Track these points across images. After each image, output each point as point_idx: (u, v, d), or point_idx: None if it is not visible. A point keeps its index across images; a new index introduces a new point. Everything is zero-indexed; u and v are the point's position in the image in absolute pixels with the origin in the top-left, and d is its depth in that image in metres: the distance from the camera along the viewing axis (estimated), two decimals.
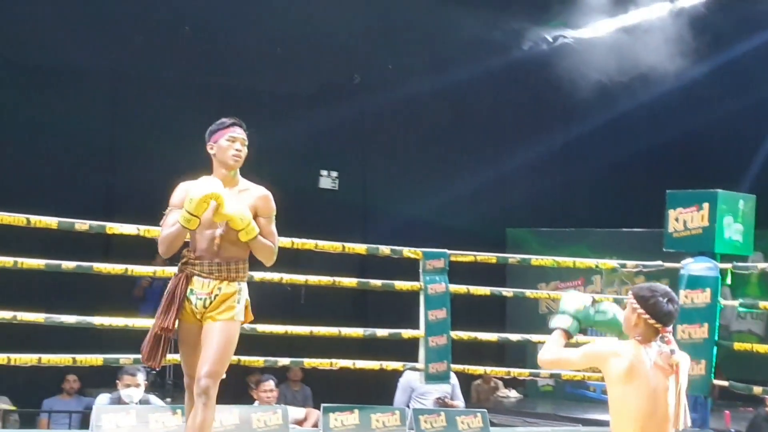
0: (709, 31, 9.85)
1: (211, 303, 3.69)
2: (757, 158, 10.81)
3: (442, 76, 10.37)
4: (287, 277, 5.33)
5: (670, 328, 3.17)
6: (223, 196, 3.60)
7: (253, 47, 9.52)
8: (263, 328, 5.19)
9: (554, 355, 3.25)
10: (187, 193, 3.63)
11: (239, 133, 3.80)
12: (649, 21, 9.94)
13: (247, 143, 3.82)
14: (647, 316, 3.14)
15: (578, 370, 5.63)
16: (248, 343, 5.28)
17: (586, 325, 3.35)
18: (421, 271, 5.75)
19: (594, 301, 3.35)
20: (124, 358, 4.97)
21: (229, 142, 3.76)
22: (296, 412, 6.09)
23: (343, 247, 5.55)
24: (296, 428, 5.73)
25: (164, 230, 3.72)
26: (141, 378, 5.47)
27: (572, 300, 3.34)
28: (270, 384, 6.19)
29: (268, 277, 5.24)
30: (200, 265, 3.70)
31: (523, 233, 10.64)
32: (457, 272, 5.91)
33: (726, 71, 10.20)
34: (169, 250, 3.72)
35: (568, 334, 3.28)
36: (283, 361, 5.38)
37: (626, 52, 9.52)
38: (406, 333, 5.70)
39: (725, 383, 6.00)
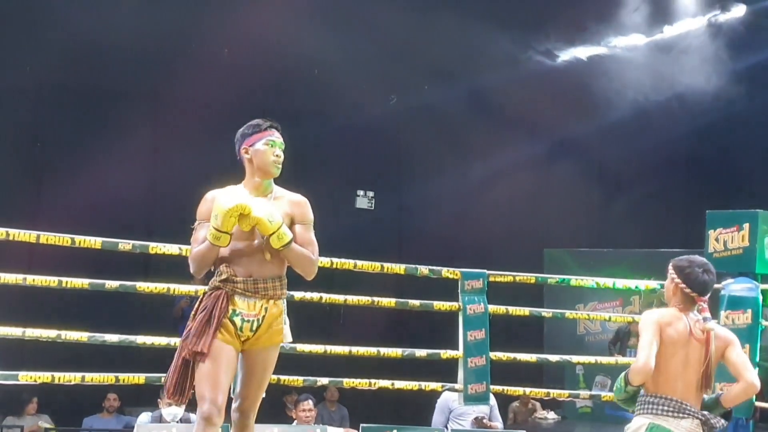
0: (746, 47, 9.80)
1: (259, 326, 3.39)
2: None
3: (478, 95, 10.39)
4: (327, 297, 5.34)
5: (706, 297, 3.43)
6: (251, 205, 3.29)
7: (292, 68, 9.61)
8: (303, 347, 5.20)
9: (639, 356, 3.34)
10: (213, 204, 3.34)
11: (277, 137, 3.50)
12: (685, 39, 9.91)
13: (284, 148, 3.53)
14: (683, 285, 3.41)
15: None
16: (286, 362, 5.33)
17: None
18: (459, 291, 5.73)
19: None
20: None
21: (268, 147, 3.44)
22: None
23: (382, 267, 5.55)
24: None
25: (194, 248, 3.40)
26: None
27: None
28: (309, 404, 6.20)
29: (308, 297, 5.27)
30: (243, 282, 3.36)
31: (561, 254, 10.57)
32: (494, 292, 5.90)
33: (763, 87, 10.12)
34: (200, 269, 3.39)
35: None
36: (323, 381, 5.38)
37: (663, 70, 9.49)
38: (445, 353, 5.67)
39: (767, 405, 5.90)
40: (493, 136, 10.91)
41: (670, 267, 3.51)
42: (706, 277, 3.44)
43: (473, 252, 9.52)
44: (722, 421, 3.39)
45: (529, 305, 6.40)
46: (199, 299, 3.43)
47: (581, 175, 11.17)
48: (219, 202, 3.30)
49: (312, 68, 9.73)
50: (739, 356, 3.46)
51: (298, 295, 5.09)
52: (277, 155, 3.47)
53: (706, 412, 3.34)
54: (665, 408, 3.32)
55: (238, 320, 3.36)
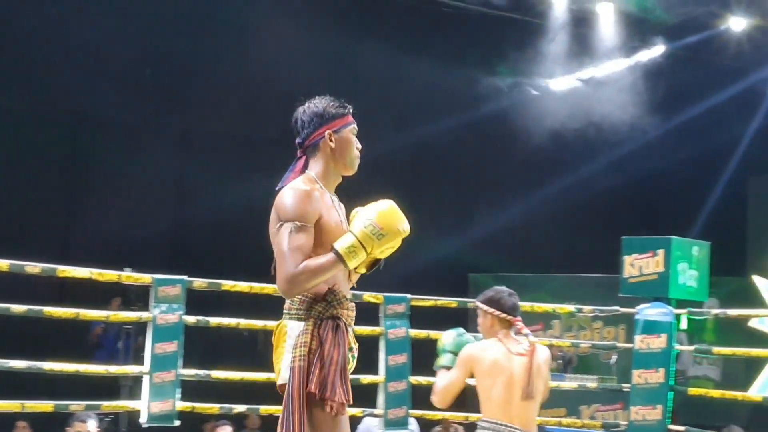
0: (666, 82, 10.16)
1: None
2: (706, 206, 11.04)
3: (406, 126, 10.48)
4: (244, 322, 5.27)
5: (519, 317, 3.71)
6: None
7: (216, 89, 9.55)
8: (218, 374, 5.12)
9: (440, 387, 3.76)
10: (375, 216, 2.58)
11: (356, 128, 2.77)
12: (606, 74, 10.23)
13: None
14: (498, 312, 3.69)
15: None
16: (203, 389, 5.24)
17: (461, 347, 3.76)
18: (381, 315, 5.72)
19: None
20: (75, 405, 4.85)
21: (353, 136, 2.76)
22: None
23: None
24: None
25: (310, 262, 2.54)
26: (92, 425, 5.35)
27: (448, 336, 3.85)
28: (226, 429, 6.10)
29: (225, 323, 5.18)
30: (348, 309, 2.70)
31: (485, 278, 10.66)
32: (418, 317, 5.91)
33: (681, 121, 10.51)
34: (304, 290, 2.59)
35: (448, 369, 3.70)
36: (239, 408, 5.29)
37: (584, 103, 9.73)
38: (365, 378, 5.64)
39: (681, 428, 6.01)
40: (419, 164, 11.02)
41: (478, 305, 3.78)
42: (513, 299, 3.74)
43: (398, 277, 9.51)
44: None
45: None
46: (307, 329, 2.61)
47: (505, 202, 11.32)
48: (393, 219, 2.61)
49: (239, 89, 9.68)
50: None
51: (214, 321, 5.01)
52: (359, 149, 2.80)
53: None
54: None
55: (350, 356, 2.72)
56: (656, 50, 10.63)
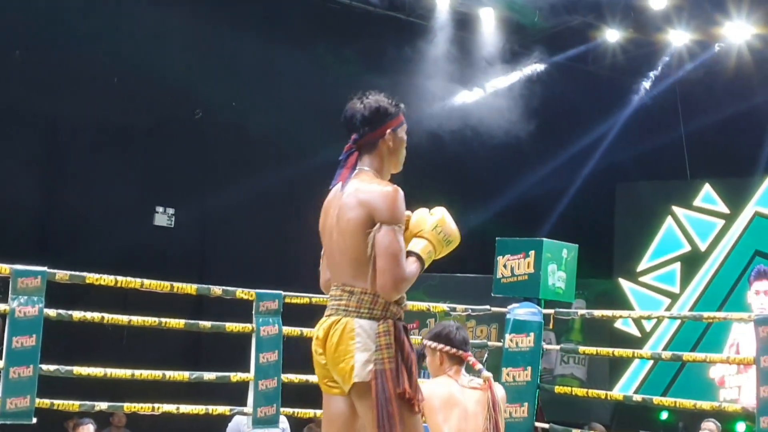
0: (542, 90, 10.46)
1: None
2: (576, 210, 11.42)
3: (281, 115, 10.37)
4: (109, 317, 5.08)
5: (469, 352, 3.46)
6: None
7: (88, 75, 9.20)
8: (81, 369, 4.92)
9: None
10: (438, 222, 2.70)
11: None
12: (487, 79, 10.42)
13: None
14: (447, 347, 3.42)
15: None
16: (65, 385, 5.03)
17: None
18: (254, 312, 5.63)
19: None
20: None
21: (405, 137, 2.78)
22: None
23: (172, 286, 5.35)
24: None
25: (410, 267, 2.65)
26: None
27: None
28: (89, 428, 5.91)
29: (89, 317, 4.99)
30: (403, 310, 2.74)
31: None
32: (300, 315, 5.86)
33: (554, 128, 10.84)
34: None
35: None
36: (101, 405, 5.10)
37: (461, 106, 9.88)
38: (235, 376, 5.54)
39: (546, 426, 6.16)
40: (299, 156, 10.91)
41: (426, 342, 3.52)
42: (462, 332, 3.50)
43: (277, 274, 9.44)
44: None
45: None
46: (387, 331, 2.63)
47: None
48: (454, 226, 2.73)
49: (112, 77, 9.35)
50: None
51: (77, 314, 4.81)
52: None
53: None
54: None
55: None
56: (534, 58, 10.91)
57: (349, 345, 2.63)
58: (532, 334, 6.13)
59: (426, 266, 2.72)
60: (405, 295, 2.71)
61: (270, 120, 10.39)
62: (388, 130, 2.73)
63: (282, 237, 10.47)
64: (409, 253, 2.67)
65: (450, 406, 3.36)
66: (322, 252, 2.89)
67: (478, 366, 3.41)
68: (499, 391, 3.44)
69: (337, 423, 2.73)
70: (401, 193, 2.67)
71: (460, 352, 3.44)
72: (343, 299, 2.70)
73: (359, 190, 2.67)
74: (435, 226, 2.73)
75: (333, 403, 2.75)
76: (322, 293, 5.94)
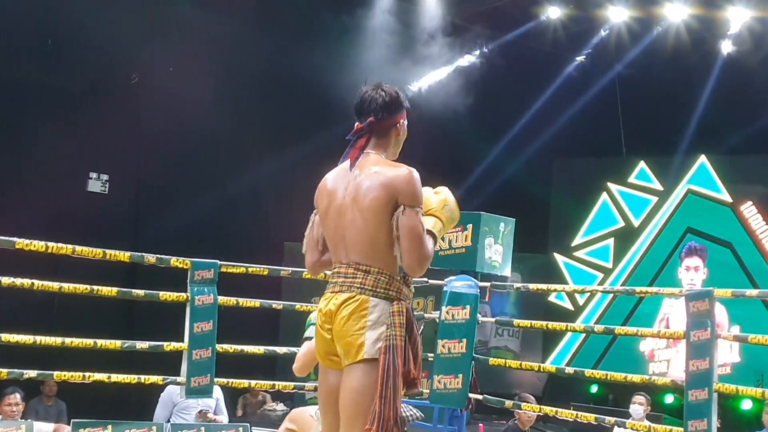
0: (482, 66, 10.49)
1: None
2: (513, 184, 11.51)
3: (221, 82, 10.20)
4: (39, 283, 4.95)
5: None
6: None
7: (21, 35, 8.89)
8: (9, 336, 4.80)
9: (298, 356, 3.51)
10: (446, 201, 2.85)
11: None
12: (426, 54, 10.38)
13: None
14: None
15: None
16: None
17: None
18: (188, 281, 5.54)
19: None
20: None
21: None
22: (44, 427, 5.68)
23: (104, 253, 5.24)
24: None
25: (429, 242, 2.76)
26: None
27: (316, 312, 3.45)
28: (15, 397, 5.75)
29: (18, 283, 4.85)
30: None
31: (300, 247, 10.64)
32: (237, 285, 5.79)
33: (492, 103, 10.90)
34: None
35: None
36: (30, 373, 4.98)
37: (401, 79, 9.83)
38: (168, 345, 5.46)
39: (479, 397, 6.23)
40: (238, 124, 10.76)
41: None
42: None
43: (214, 243, 9.32)
44: (417, 413, 3.38)
45: (269, 298, 6.32)
46: (401, 311, 2.73)
47: (323, 172, 11.27)
48: (456, 205, 2.88)
49: (45, 37, 9.06)
50: None
51: (5, 280, 4.68)
52: None
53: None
54: None
55: None
56: (475, 32, 10.90)
57: (361, 322, 2.70)
58: (468, 306, 6.17)
59: (437, 242, 2.83)
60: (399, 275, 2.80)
61: (206, 86, 10.21)
62: (402, 120, 2.86)
63: (219, 206, 10.33)
64: None
65: None
66: (308, 232, 2.96)
67: None
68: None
69: (335, 394, 2.77)
70: (418, 175, 2.78)
71: None
72: (358, 277, 2.75)
73: (379, 173, 2.75)
74: (444, 205, 2.86)
75: (330, 376, 2.80)
76: (258, 263, 5.98)
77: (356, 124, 2.89)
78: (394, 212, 2.71)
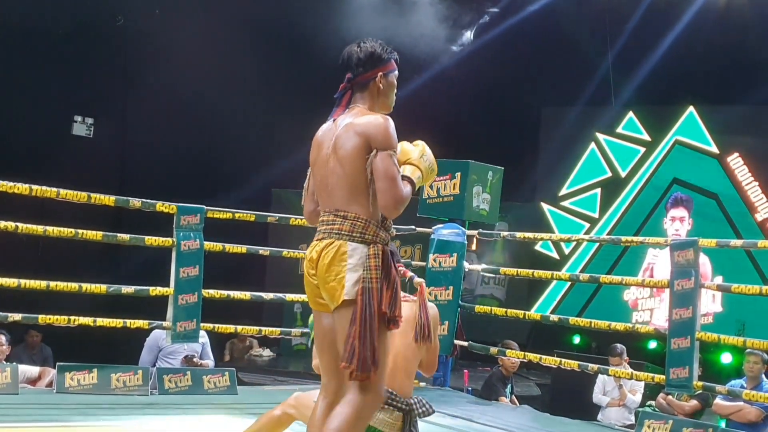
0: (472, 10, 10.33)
1: None
2: (502, 132, 11.43)
3: (208, 25, 10.04)
4: (23, 226, 4.92)
5: (401, 263, 3.37)
6: None
7: None
8: None
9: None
10: (424, 153, 2.94)
11: None
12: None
13: None
14: None
15: None
16: None
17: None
18: (174, 226, 5.52)
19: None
20: None
21: (395, 82, 3.02)
22: (30, 370, 5.69)
23: (89, 197, 5.20)
24: (27, 388, 5.35)
25: (405, 186, 2.86)
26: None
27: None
28: (0, 339, 5.74)
29: (2, 225, 4.82)
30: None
31: (287, 194, 10.61)
32: (223, 231, 5.77)
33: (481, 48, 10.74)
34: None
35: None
36: (15, 316, 4.97)
37: (391, 17, 9.66)
38: (154, 290, 5.46)
39: (465, 344, 6.27)
40: (225, 68, 10.63)
41: None
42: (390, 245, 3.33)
43: (201, 188, 9.27)
44: (430, 408, 3.26)
45: (255, 244, 6.31)
46: (376, 254, 2.81)
47: (311, 118, 11.18)
48: (431, 155, 2.96)
49: None
50: None
51: None
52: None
53: (412, 400, 3.22)
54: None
55: None
56: None
57: (340, 266, 2.83)
58: (455, 254, 6.19)
59: (415, 190, 2.93)
60: (392, 221, 2.92)
61: (193, 30, 10.05)
62: (380, 73, 2.96)
63: (205, 150, 10.26)
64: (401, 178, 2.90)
65: None
66: (306, 184, 3.08)
67: (410, 274, 3.41)
68: (432, 309, 3.36)
69: (329, 336, 2.91)
70: (392, 121, 2.89)
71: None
72: (336, 223, 2.88)
73: (353, 123, 2.89)
74: (422, 155, 2.97)
75: (323, 319, 2.93)
76: (245, 208, 5.95)
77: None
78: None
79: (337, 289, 2.81)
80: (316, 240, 2.91)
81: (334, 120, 2.96)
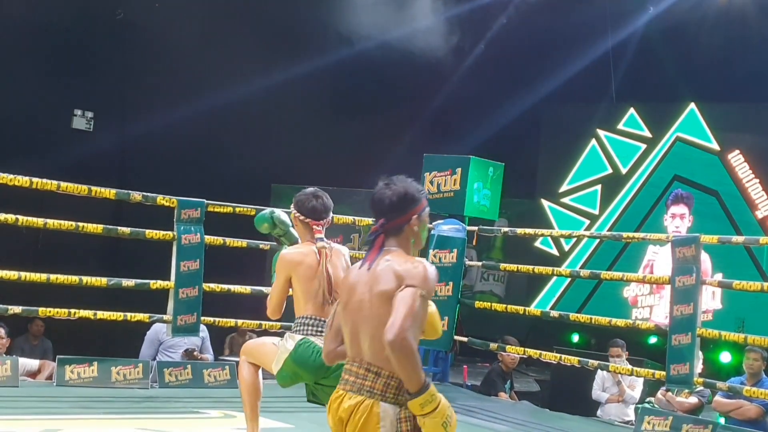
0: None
1: None
2: (503, 129, 11.41)
3: (208, 19, 10.02)
4: (24, 219, 4.91)
5: (321, 221, 3.75)
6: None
7: None
8: None
9: (268, 299, 3.72)
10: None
11: None
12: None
13: None
14: (298, 214, 3.72)
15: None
16: None
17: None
18: (175, 220, 5.52)
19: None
20: None
21: (428, 219, 2.93)
22: (30, 363, 5.68)
23: (90, 190, 5.20)
24: (27, 380, 5.34)
25: (416, 349, 2.74)
26: None
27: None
28: None
29: (2, 218, 4.81)
30: None
31: (287, 189, 10.60)
32: (224, 225, 5.76)
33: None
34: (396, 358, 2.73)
35: None
36: (15, 309, 4.97)
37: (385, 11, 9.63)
38: (155, 283, 5.46)
39: (465, 339, 6.27)
40: (226, 64, 10.62)
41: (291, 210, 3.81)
42: (314, 202, 3.74)
43: (202, 184, 9.26)
44: None
45: (258, 238, 6.29)
46: (408, 418, 2.74)
47: (312, 114, 11.19)
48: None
49: None
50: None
51: None
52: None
53: None
54: (316, 328, 3.67)
55: None
56: None
57: (376, 430, 2.73)
58: (455, 250, 6.18)
59: (418, 391, 2.68)
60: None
61: (194, 23, 10.03)
62: (414, 216, 2.82)
63: (206, 144, 10.24)
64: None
65: (312, 274, 3.65)
66: (329, 321, 2.98)
67: (318, 235, 3.67)
68: (343, 249, 3.75)
69: None
70: (433, 268, 2.76)
71: (308, 219, 3.69)
72: (368, 379, 2.75)
73: (392, 265, 2.76)
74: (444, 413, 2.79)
75: None
76: (246, 203, 5.93)
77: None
78: None
79: None
80: (342, 389, 2.79)
81: (369, 265, 2.82)
